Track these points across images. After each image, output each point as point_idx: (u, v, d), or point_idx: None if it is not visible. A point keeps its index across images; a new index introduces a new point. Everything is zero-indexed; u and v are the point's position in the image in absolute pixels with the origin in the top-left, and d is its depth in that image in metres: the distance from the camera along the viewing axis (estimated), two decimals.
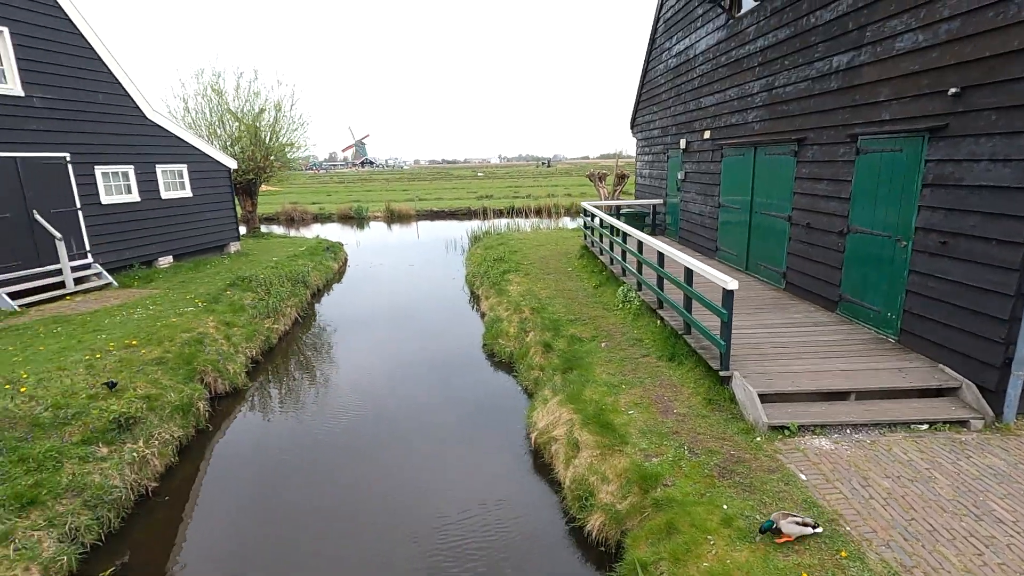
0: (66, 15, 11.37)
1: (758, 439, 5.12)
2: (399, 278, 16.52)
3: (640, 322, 8.54)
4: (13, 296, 10.40)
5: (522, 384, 8.24)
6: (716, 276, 5.81)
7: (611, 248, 11.52)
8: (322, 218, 33.69)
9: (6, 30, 10.31)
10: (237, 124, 19.38)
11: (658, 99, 15.23)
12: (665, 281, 8.00)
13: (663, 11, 14.61)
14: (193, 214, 14.81)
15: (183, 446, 6.71)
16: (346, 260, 19.16)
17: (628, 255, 10.29)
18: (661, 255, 7.86)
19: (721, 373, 5.91)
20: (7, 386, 6.47)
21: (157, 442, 6.23)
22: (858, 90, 7.10)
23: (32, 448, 5.34)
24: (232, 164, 16.23)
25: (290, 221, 32.62)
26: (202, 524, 5.46)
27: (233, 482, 6.19)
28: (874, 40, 6.76)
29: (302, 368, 9.66)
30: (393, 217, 33.55)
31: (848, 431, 5.20)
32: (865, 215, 7.05)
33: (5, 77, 10.43)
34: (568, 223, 25.15)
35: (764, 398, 5.45)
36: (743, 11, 10.43)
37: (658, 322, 8.13)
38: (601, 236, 12.48)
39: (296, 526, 5.36)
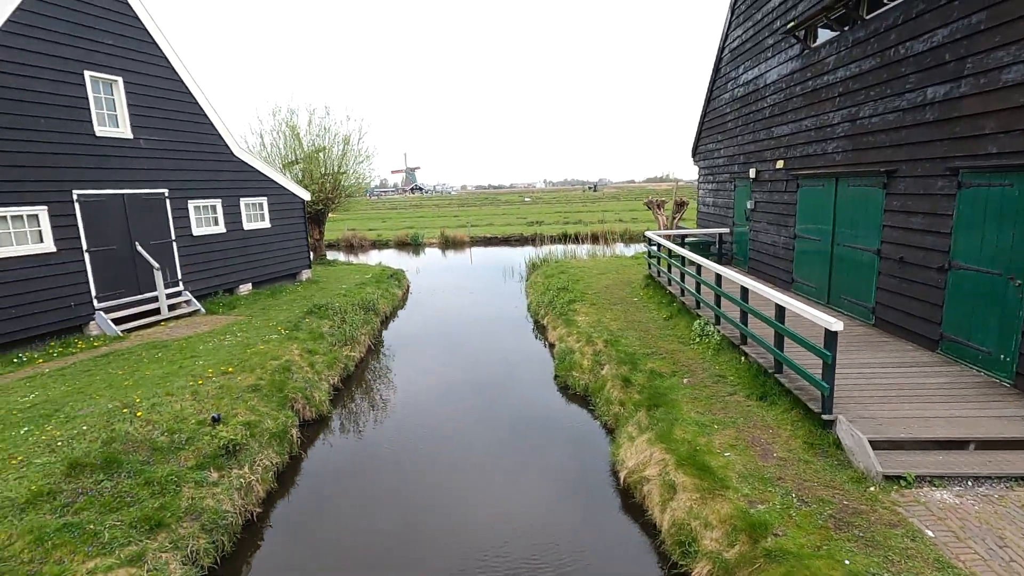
0: (170, 64, 12.40)
1: (872, 489, 4.90)
2: (461, 305, 16.80)
3: (722, 358, 8.37)
4: (116, 322, 11.20)
5: (601, 419, 8.19)
6: (818, 316, 5.67)
7: (681, 279, 11.40)
8: (380, 244, 34.76)
9: (120, 79, 11.33)
10: (309, 157, 20.44)
11: (723, 128, 15.12)
12: (749, 316, 7.84)
13: (728, 41, 14.60)
14: (271, 244, 15.62)
15: (280, 472, 6.99)
16: (408, 287, 19.66)
17: (702, 287, 10.15)
18: (745, 289, 7.73)
19: (824, 417, 5.71)
20: (124, 410, 6.94)
21: (260, 468, 6.52)
22: (958, 122, 6.86)
23: (155, 471, 5.69)
24: (306, 196, 17.07)
25: (350, 247, 33.81)
26: (302, 550, 5.65)
27: (327, 507, 6.39)
28: (977, 72, 6.55)
29: (379, 396, 9.92)
30: (448, 243, 34.27)
31: (970, 483, 4.91)
32: (970, 251, 6.74)
33: (118, 122, 11.43)
34: (623, 250, 25.03)
35: (875, 445, 5.22)
36: (820, 41, 10.31)
37: (742, 358, 7.95)
38: (669, 266, 12.37)
39: (384, 550, 5.47)
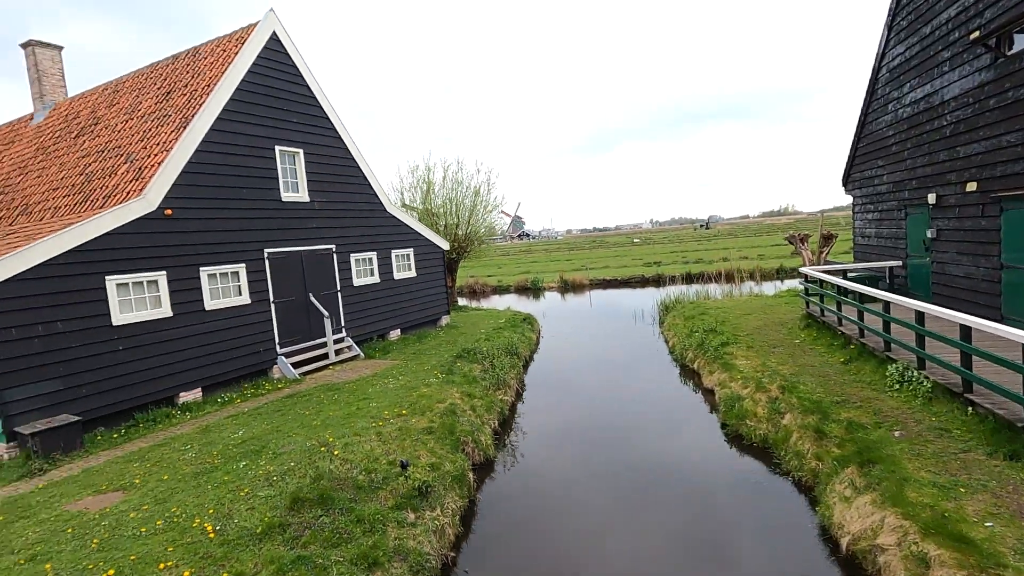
0: (339, 135, 13.94)
1: None
2: (597, 348, 16.52)
3: (936, 407, 7.29)
4: (294, 365, 12.32)
5: (793, 474, 7.41)
6: None
7: (860, 318, 10.29)
8: (500, 290, 35.72)
9: (301, 151, 12.90)
10: (445, 210, 21.80)
11: (885, 152, 13.83)
12: (973, 357, 6.79)
13: (886, 60, 13.52)
14: (416, 291, 16.59)
15: (462, 515, 7.06)
16: (540, 331, 19.81)
17: (893, 326, 9.06)
18: (967, 328, 6.73)
19: None
20: (322, 449, 7.46)
21: (449, 510, 6.63)
22: None
23: (362, 509, 5.98)
24: (445, 246, 18.07)
25: (472, 293, 35.08)
26: None
27: (514, 553, 6.28)
28: None
29: (537, 440, 9.84)
30: (567, 287, 34.38)
31: None
32: None
33: (298, 188, 12.94)
34: (760, 288, 23.44)
35: None
36: (1016, 49, 9.17)
37: (969, 409, 6.86)
38: (839, 304, 11.26)
39: None
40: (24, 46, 16.11)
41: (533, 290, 34.48)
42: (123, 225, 9.50)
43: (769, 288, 23.46)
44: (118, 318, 9.39)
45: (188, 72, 12.46)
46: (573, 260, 49.49)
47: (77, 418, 8.45)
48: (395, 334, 15.74)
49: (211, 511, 5.97)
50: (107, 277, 9.28)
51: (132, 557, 5.14)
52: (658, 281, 31.07)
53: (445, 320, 17.96)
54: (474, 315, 20.69)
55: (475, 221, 22.56)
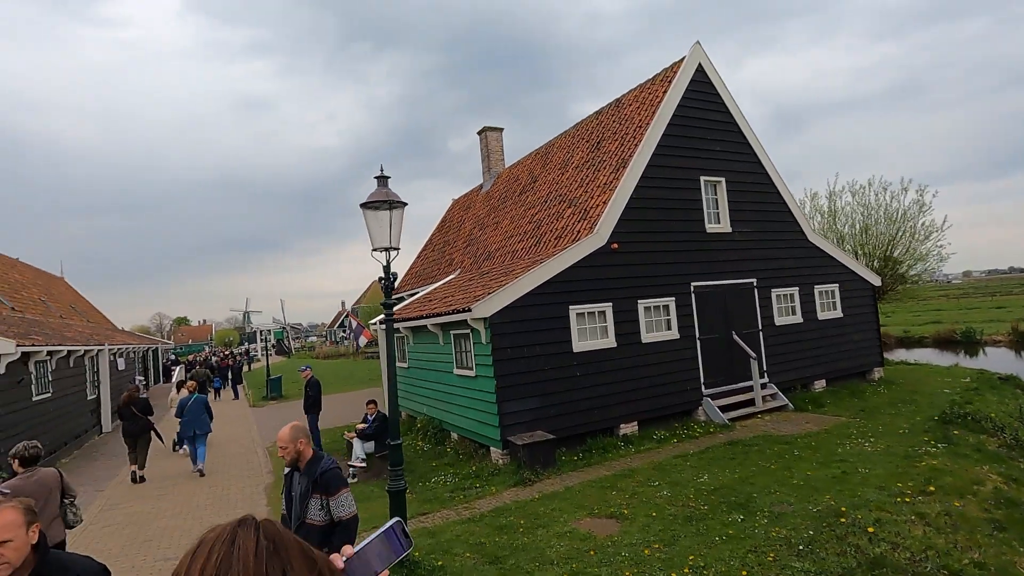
0: (759, 160, 12.79)
1: None
2: None
3: None
4: (721, 409, 11.25)
5: None
6: None
7: None
8: (907, 342, 28.35)
9: (723, 180, 12.19)
10: (855, 239, 18.21)
11: None
12: None
13: None
14: (842, 335, 13.76)
15: None
16: None
17: None
18: None
19: None
20: (840, 520, 5.89)
21: None
22: None
23: None
24: (876, 281, 14.70)
25: None
26: None
27: None
28: None
29: None
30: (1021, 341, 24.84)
31: None
32: None
33: (719, 218, 12.20)
34: None
35: None
36: None
37: None
38: None
39: None
40: (479, 132, 20.60)
41: (964, 344, 26.04)
42: (582, 259, 10.23)
43: None
44: (576, 345, 10.01)
45: (614, 120, 13.35)
46: (1009, 307, 36.31)
47: (552, 436, 9.09)
48: (819, 384, 13.21)
49: (744, 573, 5.03)
50: (570, 306, 10.04)
51: None
52: None
53: (878, 373, 14.37)
54: (907, 369, 16.19)
55: (900, 254, 18.06)
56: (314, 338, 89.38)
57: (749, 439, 9.71)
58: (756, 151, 12.78)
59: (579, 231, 11.16)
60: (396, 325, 14.08)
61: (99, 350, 17.70)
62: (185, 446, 11.62)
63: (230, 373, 26.78)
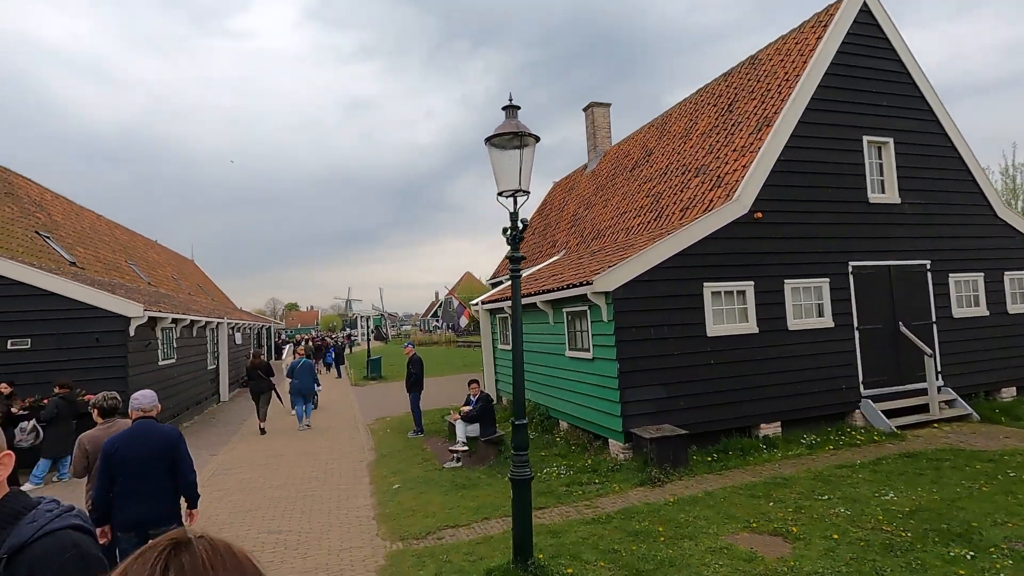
0: (937, 119, 10.56)
1: None
2: None
3: None
4: (886, 414, 9.35)
5: None
6: None
7: None
8: None
9: (891, 141, 10.15)
10: None
11: None
12: None
13: None
14: None
15: None
16: None
17: None
18: None
19: None
20: None
21: None
22: None
23: None
24: None
25: None
26: None
27: None
28: None
29: None
30: None
31: None
32: None
33: (884, 187, 10.19)
34: None
35: None
36: None
37: None
38: None
39: None
40: (585, 109, 19.37)
41: None
42: (718, 229, 8.81)
43: None
44: (711, 329, 8.64)
45: (749, 79, 11.64)
46: None
47: (684, 431, 7.83)
48: (1008, 392, 10.75)
49: None
50: (704, 284, 8.68)
51: None
52: None
53: None
54: None
55: None
56: (408, 327, 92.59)
57: (932, 452, 7.86)
58: (933, 106, 10.57)
59: (712, 200, 9.71)
60: (499, 305, 13.33)
61: (219, 323, 18.66)
62: (294, 408, 13.18)
63: (334, 352, 27.77)
